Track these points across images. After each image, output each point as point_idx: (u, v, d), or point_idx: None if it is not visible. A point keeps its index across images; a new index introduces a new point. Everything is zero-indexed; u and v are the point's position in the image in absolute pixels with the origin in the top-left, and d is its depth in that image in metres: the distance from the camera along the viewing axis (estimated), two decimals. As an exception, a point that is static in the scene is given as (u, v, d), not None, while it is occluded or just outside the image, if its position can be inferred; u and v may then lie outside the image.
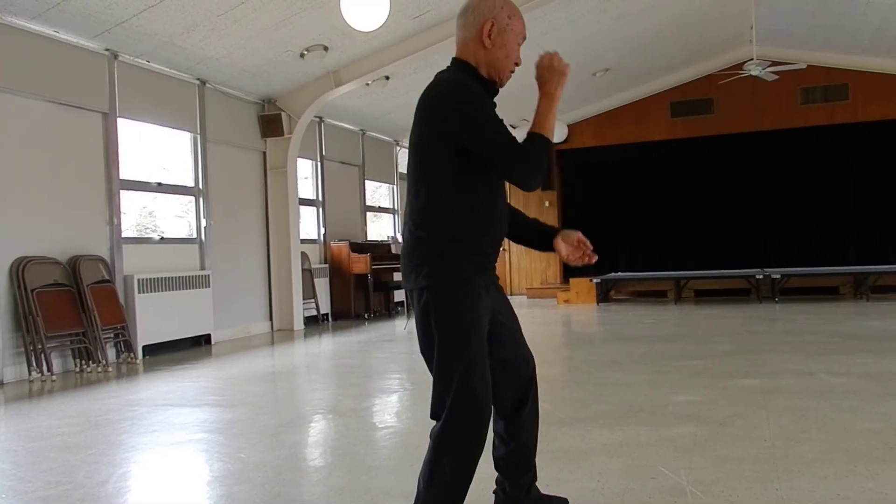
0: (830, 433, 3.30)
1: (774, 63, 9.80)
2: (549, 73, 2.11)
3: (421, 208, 2.08)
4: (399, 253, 9.46)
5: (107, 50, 6.71)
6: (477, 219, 2.09)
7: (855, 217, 11.49)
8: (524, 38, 2.15)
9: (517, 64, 2.16)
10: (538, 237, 2.41)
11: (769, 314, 8.86)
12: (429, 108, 2.09)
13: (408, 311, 2.26)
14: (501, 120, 2.05)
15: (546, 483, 2.45)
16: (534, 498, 2.36)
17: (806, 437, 3.26)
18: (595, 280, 11.27)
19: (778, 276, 10.50)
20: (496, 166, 2.05)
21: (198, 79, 7.89)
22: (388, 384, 5.27)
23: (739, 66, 10.16)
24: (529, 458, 2.33)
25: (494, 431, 2.30)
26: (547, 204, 13.06)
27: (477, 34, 2.10)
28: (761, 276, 10.55)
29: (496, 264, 2.21)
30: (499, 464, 2.33)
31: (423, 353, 2.14)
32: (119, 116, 6.88)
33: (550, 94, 2.11)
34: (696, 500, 2.50)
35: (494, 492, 2.40)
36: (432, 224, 2.07)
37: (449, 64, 2.19)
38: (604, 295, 11.52)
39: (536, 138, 2.07)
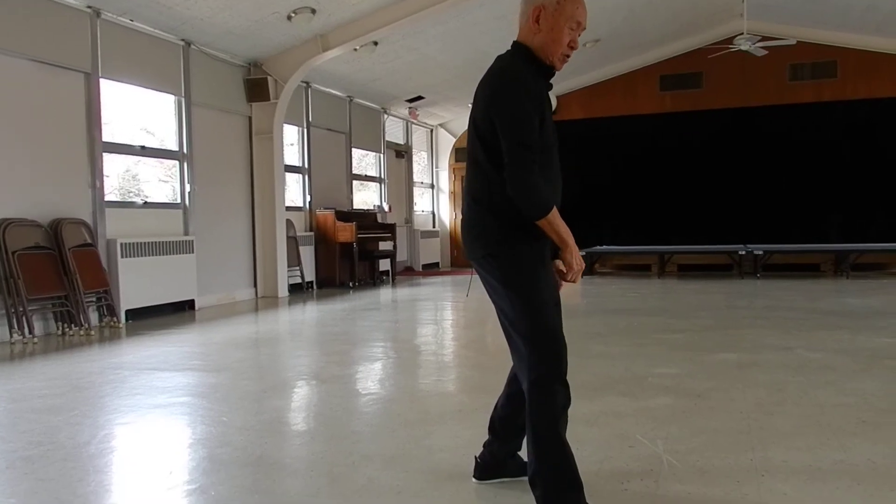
0: (805, 407, 3.37)
1: (764, 38, 9.77)
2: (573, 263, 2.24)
3: (479, 184, 2.22)
4: (384, 221, 9.40)
5: (89, 7, 6.56)
6: None
7: (838, 195, 11.58)
8: (579, 24, 2.20)
9: (572, 48, 2.21)
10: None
11: (750, 290, 8.97)
12: (484, 90, 2.20)
13: (470, 281, 2.32)
14: (533, 119, 2.10)
15: (524, 450, 2.48)
16: (517, 464, 2.44)
17: (781, 410, 3.32)
18: (580, 253, 11.32)
19: (760, 253, 10.61)
20: (504, 156, 2.10)
21: (182, 40, 7.75)
22: (371, 352, 5.30)
23: (729, 40, 10.12)
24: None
25: (510, 392, 2.40)
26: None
27: (528, 20, 2.20)
28: (744, 252, 10.65)
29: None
30: (495, 424, 2.43)
31: (500, 317, 2.24)
32: (101, 77, 6.76)
33: (565, 242, 2.20)
34: (672, 468, 2.55)
35: (480, 455, 2.47)
36: (488, 198, 2.19)
37: (509, 47, 2.27)
38: (588, 268, 11.58)
39: (545, 205, 2.11)
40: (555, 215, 2.12)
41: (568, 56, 2.23)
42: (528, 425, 2.16)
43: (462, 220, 2.33)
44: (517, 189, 2.09)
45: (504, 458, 2.44)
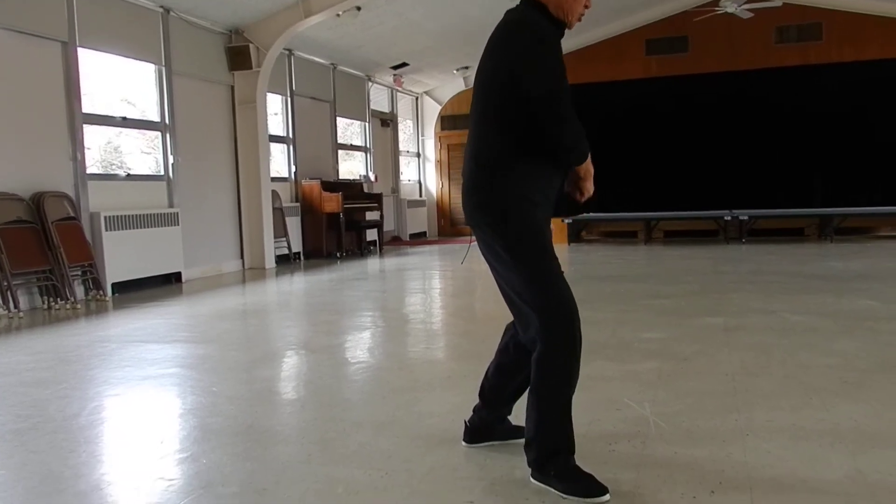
0: (789, 368, 3.42)
1: (750, 0, 9.70)
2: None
3: (483, 145, 2.13)
4: (370, 191, 9.30)
5: (63, -26, 6.41)
6: (534, 158, 2.09)
7: (823, 159, 11.62)
8: None
9: (587, 6, 2.15)
10: None
11: (736, 255, 9.04)
12: (494, 46, 2.11)
13: (468, 248, 2.27)
14: (560, 69, 2.03)
15: (514, 414, 2.51)
16: (507, 428, 2.46)
17: (766, 371, 3.37)
18: (566, 220, 11.33)
19: (745, 218, 10.68)
20: (535, 109, 2.00)
21: (161, 6, 7.59)
22: (360, 321, 5.31)
23: (715, 2, 10.04)
24: (520, 394, 2.40)
25: (500, 362, 2.38)
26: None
27: None
28: (729, 218, 10.71)
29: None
30: (486, 391, 2.42)
31: (503, 285, 2.19)
32: (79, 46, 6.62)
33: (590, 172, 2.21)
34: (658, 430, 2.59)
35: (470, 420, 2.48)
36: (493, 161, 2.10)
37: (518, 2, 2.17)
38: (575, 235, 11.62)
39: (587, 146, 2.11)
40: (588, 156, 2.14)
41: (583, 14, 2.15)
42: (533, 394, 2.13)
43: (463, 184, 2.22)
44: (561, 139, 2.02)
45: (493, 423, 2.46)
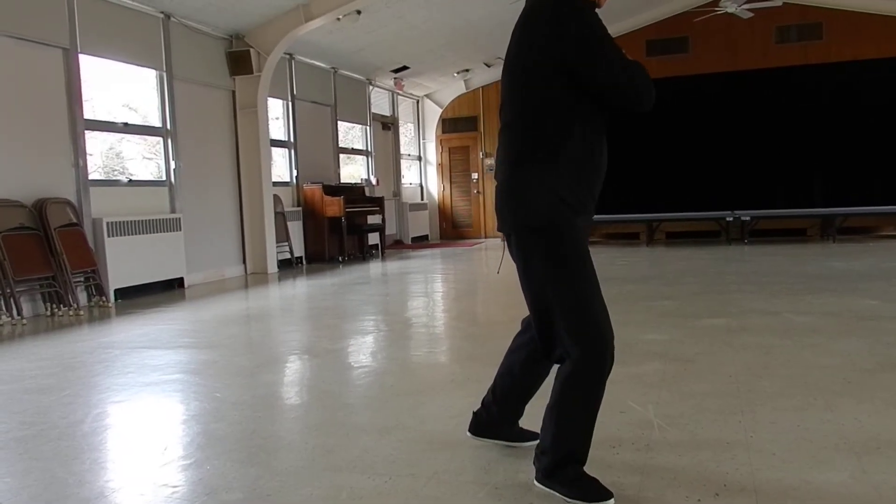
0: (792, 369, 3.41)
1: (750, 0, 9.71)
2: None
3: (521, 144, 2.00)
4: (372, 195, 9.29)
5: (64, -18, 6.42)
6: (576, 156, 1.97)
7: (824, 159, 11.61)
8: None
9: None
10: None
11: (738, 256, 9.03)
12: (532, 26, 1.95)
13: (503, 255, 2.20)
14: (610, 37, 1.92)
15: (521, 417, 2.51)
16: (514, 432, 2.44)
17: (768, 372, 3.37)
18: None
19: (747, 219, 10.67)
20: (610, 86, 1.92)
21: (162, 12, 7.61)
22: (362, 326, 5.31)
23: (715, 2, 10.05)
24: (529, 396, 2.39)
25: (513, 360, 2.32)
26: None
27: None
28: (731, 219, 10.70)
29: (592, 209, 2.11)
30: (497, 390, 2.38)
31: (527, 295, 2.08)
32: (80, 52, 6.64)
33: None
34: (663, 433, 2.58)
35: (477, 412, 2.46)
36: (533, 159, 1.96)
37: None
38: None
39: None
40: None
41: None
42: (554, 408, 2.05)
43: (497, 186, 2.07)
44: (646, 89, 1.95)
45: (501, 423, 2.43)
